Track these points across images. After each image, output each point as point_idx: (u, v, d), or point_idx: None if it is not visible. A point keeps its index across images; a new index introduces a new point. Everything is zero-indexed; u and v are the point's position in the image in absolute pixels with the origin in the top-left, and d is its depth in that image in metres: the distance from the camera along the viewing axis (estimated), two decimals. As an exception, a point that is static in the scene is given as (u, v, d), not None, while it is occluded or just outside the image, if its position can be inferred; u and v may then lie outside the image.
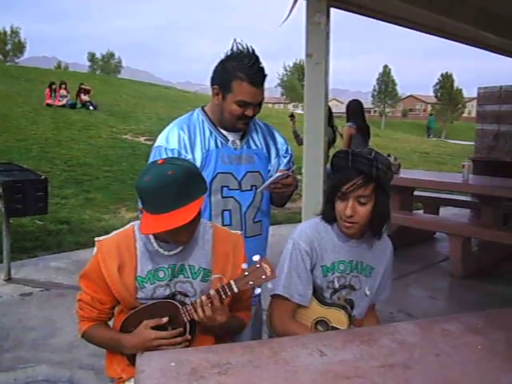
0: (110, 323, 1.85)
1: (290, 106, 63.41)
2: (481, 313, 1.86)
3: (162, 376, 1.30)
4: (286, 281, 1.83)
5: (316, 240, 1.86)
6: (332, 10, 3.00)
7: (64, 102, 15.91)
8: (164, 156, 2.04)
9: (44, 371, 3.05)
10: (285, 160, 2.24)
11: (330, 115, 5.43)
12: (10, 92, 16.65)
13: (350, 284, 1.91)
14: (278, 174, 2.02)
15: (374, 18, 3.56)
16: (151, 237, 1.72)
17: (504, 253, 5.58)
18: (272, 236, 2.33)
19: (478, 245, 5.78)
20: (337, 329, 1.87)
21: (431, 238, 6.66)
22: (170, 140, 2.07)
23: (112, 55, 71.61)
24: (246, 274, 1.62)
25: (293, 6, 2.74)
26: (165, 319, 1.68)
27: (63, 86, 16.32)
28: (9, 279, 4.51)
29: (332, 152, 2.95)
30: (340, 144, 6.39)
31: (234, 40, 2.03)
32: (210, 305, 1.61)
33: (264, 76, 2.03)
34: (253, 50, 2.01)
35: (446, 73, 62.33)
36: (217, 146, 2.09)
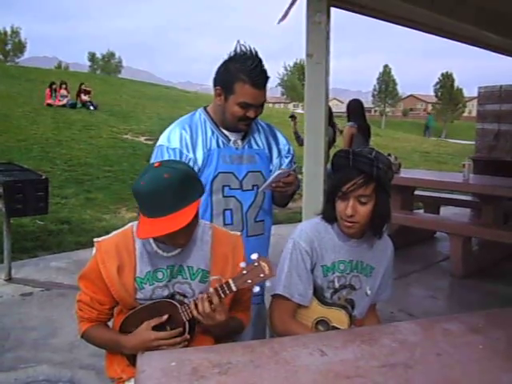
0: (110, 323, 1.85)
1: (291, 106, 63.39)
2: (481, 312, 1.86)
3: (163, 376, 1.30)
4: (286, 281, 1.83)
5: (316, 240, 1.86)
6: (332, 9, 3.00)
7: (64, 101, 15.91)
8: (166, 155, 2.05)
9: (45, 371, 3.05)
10: (287, 160, 2.24)
11: (330, 115, 5.42)
12: (11, 92, 16.65)
13: (350, 284, 1.90)
14: (278, 171, 2.03)
15: (374, 17, 3.56)
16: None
17: (505, 252, 5.57)
18: (272, 236, 2.33)
19: (479, 244, 5.77)
20: (337, 328, 1.87)
21: (432, 238, 6.65)
22: (171, 139, 2.08)
23: (112, 55, 71.58)
24: (245, 272, 1.61)
25: (291, 5, 2.74)
26: (165, 316, 1.68)
27: (63, 85, 16.32)
28: (9, 279, 4.51)
29: (332, 152, 2.95)
30: (341, 144, 6.38)
31: (238, 41, 2.04)
32: (209, 303, 1.61)
33: (266, 78, 2.04)
34: (256, 52, 2.02)
35: (447, 72, 62.26)
36: (218, 146, 2.10)
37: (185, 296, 1.74)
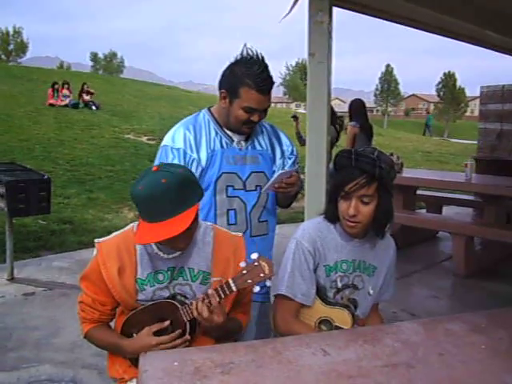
0: (112, 324, 1.85)
1: (293, 106, 63.40)
2: (484, 312, 1.86)
3: (165, 376, 1.30)
4: (289, 280, 1.83)
5: (319, 239, 1.86)
6: (334, 9, 2.99)
7: (66, 101, 15.91)
8: (170, 155, 2.06)
9: (47, 371, 3.05)
10: (290, 161, 2.26)
11: (332, 114, 5.42)
12: (13, 92, 16.66)
13: (352, 283, 1.90)
14: (280, 172, 2.04)
15: (376, 16, 3.55)
16: None
17: (507, 252, 5.56)
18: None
19: (481, 244, 5.77)
20: (340, 328, 1.87)
21: (434, 237, 6.64)
22: (176, 139, 2.10)
23: (114, 55, 71.67)
24: (244, 272, 1.61)
25: (294, 3, 2.73)
26: (166, 323, 1.68)
27: (66, 85, 16.32)
28: (12, 279, 4.52)
29: (335, 151, 2.95)
30: (343, 143, 6.38)
31: (244, 45, 2.05)
32: (208, 304, 1.61)
33: (272, 84, 2.06)
34: (262, 58, 2.03)
35: (449, 72, 62.27)
36: (222, 146, 2.12)
37: (186, 297, 1.74)
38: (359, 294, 1.92)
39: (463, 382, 1.35)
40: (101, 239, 1.75)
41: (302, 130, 6.34)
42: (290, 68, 62.36)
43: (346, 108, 6.80)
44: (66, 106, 15.74)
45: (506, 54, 5.57)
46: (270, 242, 2.26)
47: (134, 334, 1.72)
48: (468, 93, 62.56)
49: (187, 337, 1.68)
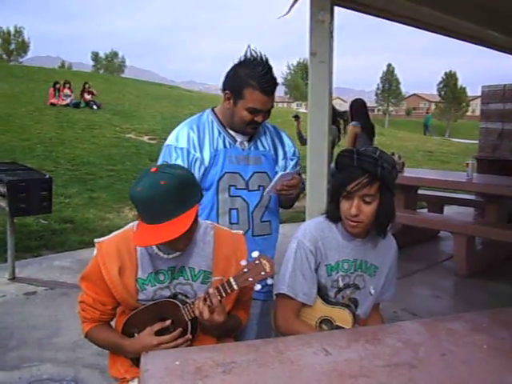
0: (113, 323, 1.85)
1: (294, 105, 63.38)
2: (486, 311, 1.86)
3: (167, 375, 1.30)
4: (290, 280, 1.83)
5: (320, 239, 1.86)
6: (336, 8, 2.99)
7: (68, 101, 15.93)
8: (174, 154, 2.08)
9: (48, 370, 3.05)
10: (292, 162, 2.27)
11: (333, 114, 5.42)
12: (14, 91, 16.67)
13: (354, 283, 1.90)
14: (281, 173, 2.05)
15: (377, 16, 3.55)
16: None
17: (509, 251, 5.55)
18: (276, 235, 2.33)
19: (483, 243, 5.76)
20: (341, 328, 1.86)
21: (435, 237, 6.64)
22: (179, 139, 2.12)
23: (116, 54, 71.72)
24: (246, 270, 1.61)
25: (293, 3, 2.73)
26: (168, 322, 1.67)
27: (67, 85, 16.33)
28: (13, 278, 4.52)
29: (336, 151, 2.94)
30: (345, 143, 6.38)
31: (248, 46, 2.07)
32: (209, 303, 1.61)
33: (276, 85, 2.07)
34: (266, 59, 2.05)
35: (450, 71, 62.21)
36: (225, 146, 2.13)
37: (187, 297, 1.74)
38: (360, 294, 1.92)
39: (465, 382, 1.35)
40: (101, 239, 1.75)
41: (303, 130, 6.34)
42: (292, 67, 62.37)
43: (347, 107, 6.80)
44: (68, 105, 15.75)
45: (508, 53, 5.56)
46: (272, 242, 2.27)
47: (136, 334, 1.72)
48: (469, 92, 62.52)
49: (189, 336, 1.68)
